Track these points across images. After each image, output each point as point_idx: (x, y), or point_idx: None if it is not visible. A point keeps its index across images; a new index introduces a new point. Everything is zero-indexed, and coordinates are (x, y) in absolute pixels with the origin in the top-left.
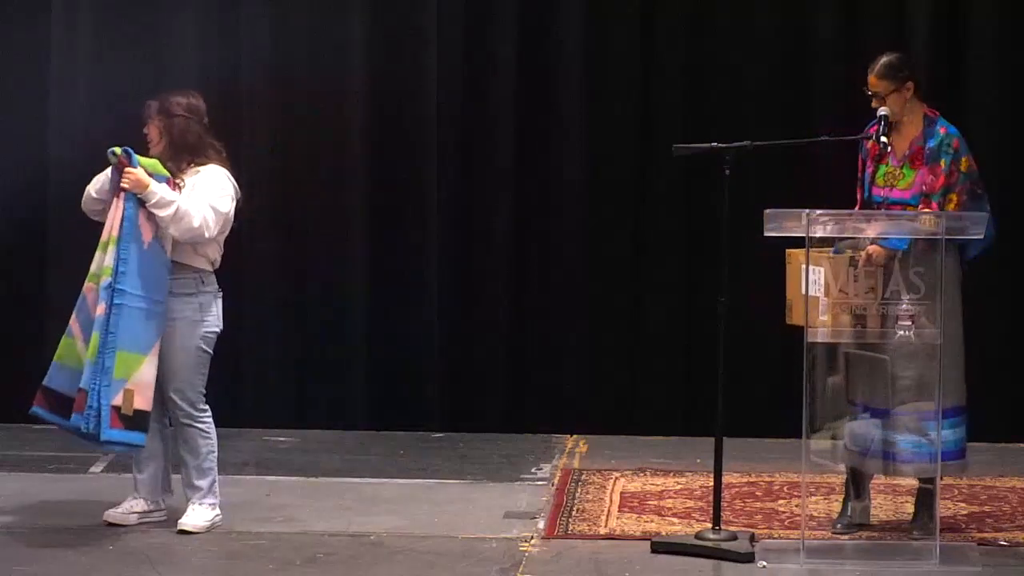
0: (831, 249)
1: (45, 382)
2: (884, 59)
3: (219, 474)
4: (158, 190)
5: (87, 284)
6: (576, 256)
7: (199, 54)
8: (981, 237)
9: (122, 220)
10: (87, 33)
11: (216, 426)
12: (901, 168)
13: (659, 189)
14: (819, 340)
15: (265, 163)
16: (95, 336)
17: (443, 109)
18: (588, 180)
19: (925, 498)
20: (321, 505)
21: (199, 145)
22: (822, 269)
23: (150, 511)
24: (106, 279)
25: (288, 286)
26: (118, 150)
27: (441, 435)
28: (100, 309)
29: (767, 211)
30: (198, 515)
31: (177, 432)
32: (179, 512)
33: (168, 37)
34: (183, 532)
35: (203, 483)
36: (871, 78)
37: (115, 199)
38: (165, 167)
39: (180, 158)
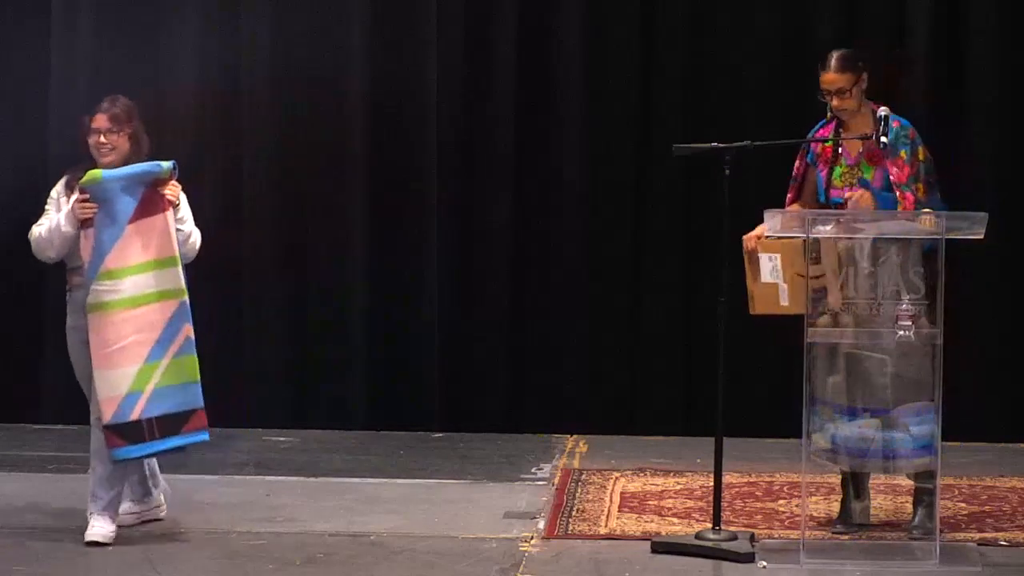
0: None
1: (141, 416)
2: (837, 53)
3: (220, 474)
4: (186, 206)
5: (166, 302)
6: (576, 256)
7: (199, 54)
8: (981, 236)
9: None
10: (87, 33)
11: (216, 426)
12: (858, 165)
13: (659, 189)
14: (819, 341)
15: (265, 163)
16: (194, 358)
17: (443, 109)
18: (588, 180)
19: (923, 499)
20: (321, 505)
21: (149, 153)
22: (778, 255)
23: (144, 510)
24: (185, 297)
25: (288, 286)
26: (171, 163)
27: (441, 435)
28: (190, 329)
29: (767, 211)
30: (106, 526)
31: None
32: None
33: (168, 37)
34: (93, 544)
35: (107, 495)
36: (829, 75)
37: (162, 213)
38: None
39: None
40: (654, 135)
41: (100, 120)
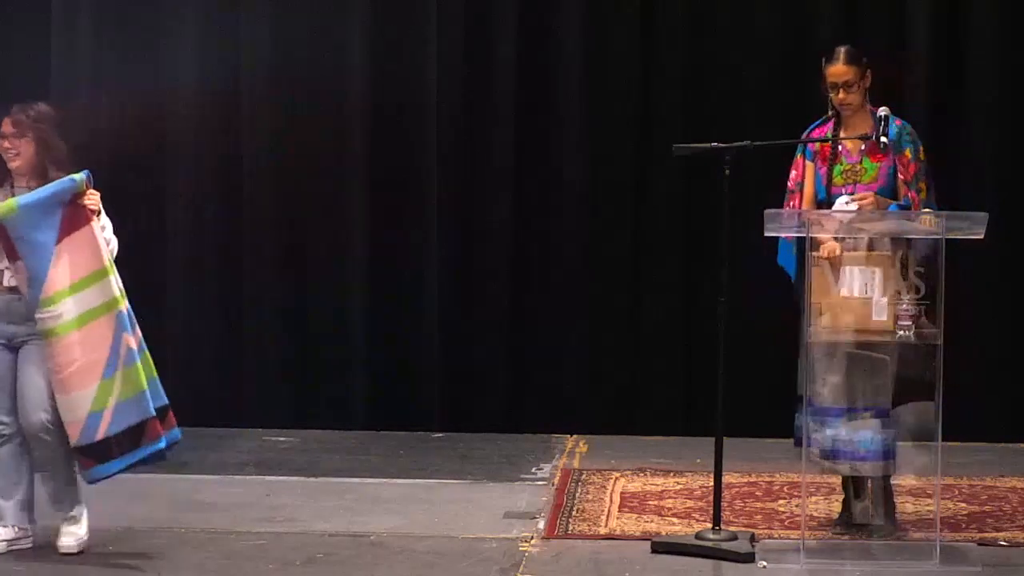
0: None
1: (107, 434)
2: (845, 47)
3: (220, 474)
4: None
5: (108, 315)
6: (576, 256)
7: (199, 54)
8: (981, 236)
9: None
10: (87, 33)
11: (216, 426)
12: (860, 163)
13: (659, 189)
14: (819, 341)
15: (265, 163)
16: (147, 355)
17: (443, 109)
18: (588, 180)
19: (882, 494)
20: (321, 505)
21: (62, 158)
22: (878, 269)
23: (18, 538)
24: (125, 304)
25: (288, 286)
26: (84, 174)
27: (441, 435)
28: (130, 338)
29: (767, 211)
30: (79, 532)
31: (42, 451)
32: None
33: (168, 37)
34: (67, 554)
35: (71, 502)
36: (838, 67)
37: (87, 225)
38: (30, 182)
39: (47, 171)
40: (654, 135)
41: (5, 124)
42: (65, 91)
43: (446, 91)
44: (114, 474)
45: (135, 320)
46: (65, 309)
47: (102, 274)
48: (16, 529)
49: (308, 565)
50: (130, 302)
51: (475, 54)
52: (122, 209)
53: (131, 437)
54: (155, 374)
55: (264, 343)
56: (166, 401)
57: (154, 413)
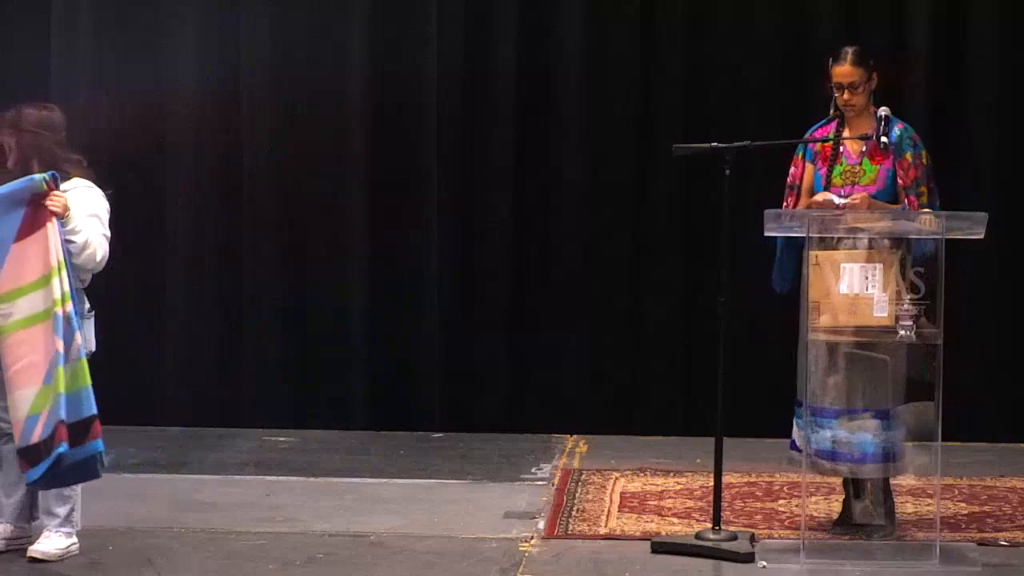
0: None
1: (41, 438)
2: (852, 47)
3: (220, 474)
4: (76, 215)
5: (48, 320)
6: (576, 256)
7: (199, 54)
8: (981, 236)
9: (61, 244)
10: (87, 33)
11: (216, 426)
12: (860, 164)
13: (659, 189)
14: (819, 340)
15: (265, 163)
16: (84, 361)
17: (443, 109)
18: (588, 180)
19: (879, 495)
20: (321, 505)
21: (52, 161)
22: (879, 265)
23: (17, 537)
24: (69, 305)
25: (288, 286)
26: (46, 175)
27: (441, 435)
28: (78, 337)
29: (767, 211)
30: (52, 543)
31: None
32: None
33: (168, 37)
34: (34, 560)
35: (61, 510)
36: (844, 68)
37: (47, 224)
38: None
39: (33, 173)
40: (654, 135)
41: None
42: (65, 91)
43: (446, 91)
44: (44, 474)
45: (74, 326)
46: (16, 308)
47: (49, 278)
48: (16, 527)
49: (308, 565)
50: (130, 302)
51: (475, 54)
52: (122, 209)
53: (53, 437)
54: (88, 383)
55: (264, 343)
56: (94, 412)
57: (64, 417)
